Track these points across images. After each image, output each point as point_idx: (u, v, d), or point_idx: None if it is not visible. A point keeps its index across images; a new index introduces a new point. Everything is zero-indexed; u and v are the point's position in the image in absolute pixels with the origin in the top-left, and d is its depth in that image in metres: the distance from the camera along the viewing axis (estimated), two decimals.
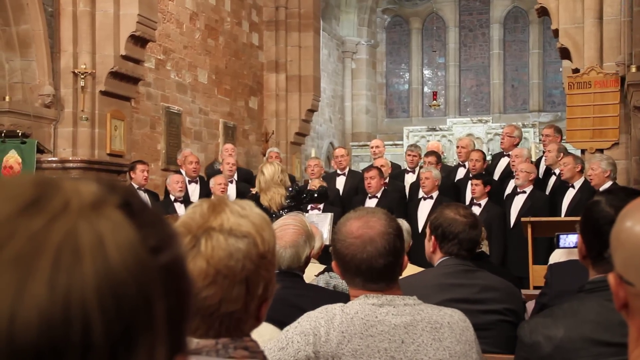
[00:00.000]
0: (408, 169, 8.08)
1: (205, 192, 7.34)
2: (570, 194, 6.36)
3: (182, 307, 0.52)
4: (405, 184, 7.80)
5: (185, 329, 0.53)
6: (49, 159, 6.97)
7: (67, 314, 0.43)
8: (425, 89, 17.85)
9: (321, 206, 6.53)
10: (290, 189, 5.57)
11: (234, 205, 1.17)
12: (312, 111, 12.41)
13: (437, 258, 2.50)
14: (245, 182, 7.85)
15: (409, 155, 8.07)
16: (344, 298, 1.73)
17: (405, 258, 1.75)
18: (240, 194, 7.30)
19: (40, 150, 6.71)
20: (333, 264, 1.76)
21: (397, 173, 8.18)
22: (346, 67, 17.28)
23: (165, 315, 0.48)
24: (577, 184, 6.36)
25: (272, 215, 5.45)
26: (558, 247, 3.62)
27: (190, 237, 1.13)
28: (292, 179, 6.62)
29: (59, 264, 0.44)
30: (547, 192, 6.80)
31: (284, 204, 5.51)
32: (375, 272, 1.68)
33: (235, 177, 7.94)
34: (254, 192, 5.98)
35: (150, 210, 0.52)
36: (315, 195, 5.74)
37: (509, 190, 6.96)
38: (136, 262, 0.46)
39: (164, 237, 0.51)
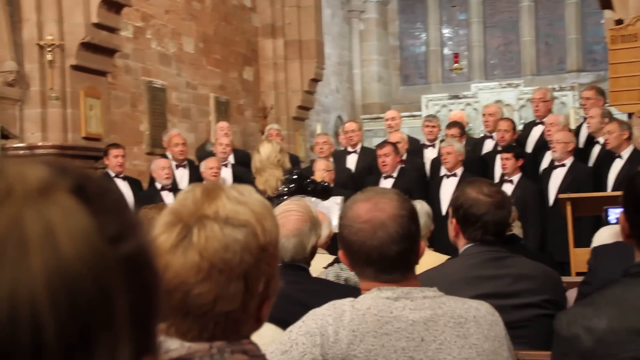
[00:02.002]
0: (427, 143, 8.08)
1: (195, 178, 7.34)
2: (617, 165, 6.33)
3: (148, 303, 0.52)
4: (425, 160, 7.81)
5: (154, 327, 0.53)
6: (15, 145, 6.99)
7: (13, 313, 0.43)
8: (445, 51, 17.76)
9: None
10: (291, 172, 5.58)
11: (231, 191, 1.18)
12: (315, 81, 12.38)
13: (461, 244, 2.51)
14: (242, 165, 7.89)
15: (428, 127, 8.07)
16: (356, 292, 1.75)
17: (422, 244, 1.76)
18: (237, 179, 7.32)
19: (5, 136, 6.72)
20: (340, 253, 1.77)
21: (416, 148, 8.19)
22: (353, 28, 17.20)
23: (129, 312, 0.48)
24: (625, 153, 6.34)
25: (269, 200, 5.46)
26: (607, 223, 3.60)
27: (181, 226, 1.14)
28: (294, 159, 6.64)
29: (3, 258, 0.44)
30: (590, 164, 6.78)
31: (280, 188, 5.53)
32: (388, 260, 1.69)
33: (231, 159, 7.97)
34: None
35: (109, 194, 0.52)
36: (319, 188, 5.77)
37: (545, 163, 6.95)
38: (92, 253, 0.46)
39: (125, 225, 0.51)
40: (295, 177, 5.64)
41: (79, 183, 0.50)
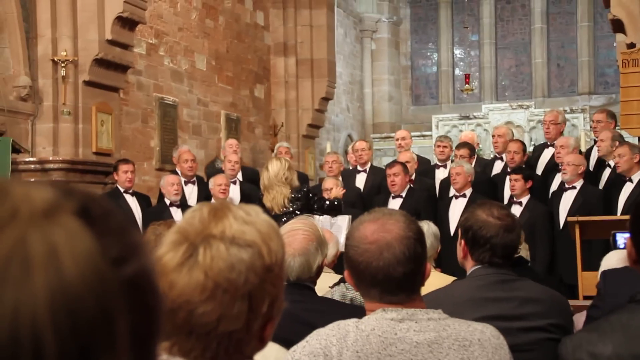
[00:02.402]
0: (438, 163, 8.09)
1: (204, 195, 7.37)
2: (627, 189, 6.31)
3: (149, 325, 0.52)
4: (436, 180, 7.81)
5: (155, 348, 0.53)
6: (26, 159, 7.04)
7: (15, 333, 0.43)
8: (457, 72, 17.80)
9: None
10: (299, 190, 5.59)
11: (238, 211, 1.19)
12: (326, 99, 12.43)
13: (469, 266, 2.50)
14: (251, 182, 7.90)
15: (439, 147, 8.08)
16: (361, 313, 1.75)
17: (428, 265, 1.76)
18: (245, 197, 7.33)
19: (16, 150, 6.75)
20: (346, 273, 1.77)
21: (426, 169, 8.19)
22: (365, 48, 17.28)
23: (129, 333, 0.49)
24: (636, 177, 6.31)
25: (276, 218, 5.49)
26: (615, 248, 3.59)
27: (187, 245, 1.14)
28: (303, 178, 6.65)
29: (6, 278, 0.45)
30: (600, 187, 6.76)
31: (287, 206, 5.53)
32: (393, 281, 1.69)
33: (240, 176, 7.98)
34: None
35: (113, 216, 0.53)
36: (326, 203, 5.78)
37: (554, 186, 6.93)
38: (95, 275, 0.47)
39: (128, 247, 0.52)
40: (302, 194, 5.65)
41: (83, 205, 0.51)
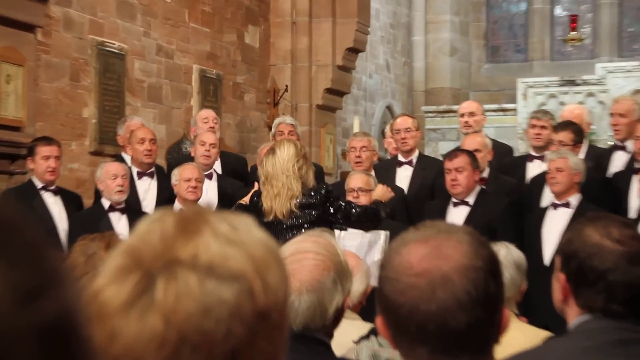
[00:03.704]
0: (532, 152, 8.05)
1: (165, 195, 7.38)
2: None
3: None
4: (525, 180, 7.77)
5: None
6: None
7: None
8: (558, 11, 17.75)
9: None
10: (313, 191, 5.61)
11: (220, 223, 1.19)
12: (355, 51, 12.43)
13: (572, 315, 2.50)
14: (235, 176, 7.91)
15: (535, 127, 8.03)
16: None
17: (507, 313, 1.77)
18: (226, 198, 7.35)
19: None
20: (378, 320, 1.79)
21: (508, 162, 8.18)
22: None
23: None
24: None
25: (276, 229, 5.52)
26: None
27: (139, 274, 1.14)
28: (317, 172, 6.63)
29: None
30: None
31: (296, 212, 5.56)
32: (451, 336, 1.69)
33: (218, 167, 8.01)
34: (249, 194, 6.06)
35: (18, 233, 0.53)
36: (354, 212, 5.80)
37: None
38: None
39: (42, 277, 0.52)
40: (318, 198, 5.66)
41: None
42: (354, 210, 5.84)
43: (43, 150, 6.94)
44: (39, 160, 6.91)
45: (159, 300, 1.14)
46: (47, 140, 7.12)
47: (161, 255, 1.16)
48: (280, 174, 5.60)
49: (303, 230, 5.53)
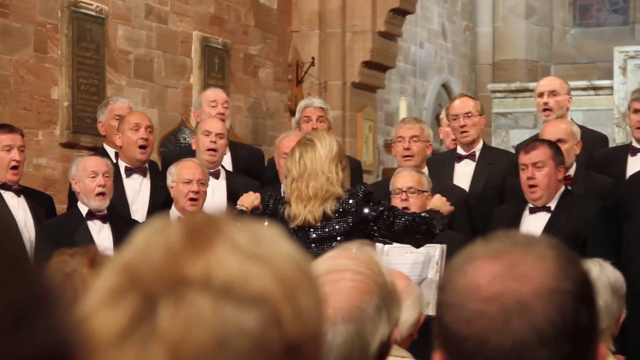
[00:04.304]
0: (635, 144, 7.98)
1: (160, 197, 7.41)
2: None
3: None
4: (624, 177, 7.72)
5: None
6: None
7: None
8: None
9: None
10: (349, 194, 5.63)
11: (238, 233, 1.20)
12: (402, 13, 12.42)
13: None
14: (249, 173, 7.92)
15: (637, 112, 7.99)
16: None
17: (601, 349, 1.78)
18: (235, 201, 7.36)
19: None
20: (436, 357, 1.80)
21: (601, 156, 8.16)
22: None
23: None
24: None
25: (304, 238, 5.54)
26: None
27: (137, 297, 1.16)
28: (354, 168, 6.63)
29: None
30: None
31: (332, 217, 5.62)
32: None
33: (227, 163, 8.04)
34: (251, 197, 6.11)
35: (1, 249, 0.56)
36: (403, 221, 5.80)
37: None
38: None
39: (32, 300, 0.55)
40: (354, 202, 5.68)
41: None
42: (398, 221, 5.84)
43: (3, 139, 6.99)
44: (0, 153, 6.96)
45: (162, 329, 1.14)
46: (8, 127, 7.16)
47: (165, 273, 1.16)
48: (321, 174, 5.66)
49: (334, 243, 5.55)
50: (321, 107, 8.58)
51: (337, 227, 5.65)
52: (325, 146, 5.71)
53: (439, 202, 6.38)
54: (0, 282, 0.56)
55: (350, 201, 5.67)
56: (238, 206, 6.43)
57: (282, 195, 6.01)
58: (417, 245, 6.04)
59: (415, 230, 5.88)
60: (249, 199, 6.63)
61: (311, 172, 5.66)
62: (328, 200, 5.67)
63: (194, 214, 1.28)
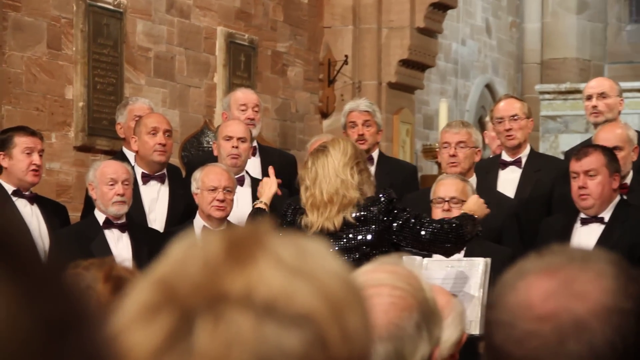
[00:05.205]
0: None
1: (179, 206, 7.43)
2: None
3: None
4: None
5: None
6: None
7: None
8: None
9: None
10: (372, 201, 5.65)
11: (282, 248, 1.21)
12: (443, 8, 12.42)
13: None
14: (281, 182, 7.92)
15: None
16: None
17: None
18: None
19: None
20: None
21: None
22: None
23: None
24: None
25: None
26: None
27: (174, 314, 1.17)
28: (411, 171, 6.62)
29: None
30: None
31: (353, 223, 5.65)
32: None
33: (253, 168, 8.06)
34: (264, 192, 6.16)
35: (39, 262, 0.58)
36: (431, 229, 5.81)
37: None
38: (20, 350, 0.52)
39: (69, 312, 0.57)
40: (377, 208, 5.70)
41: None
42: (425, 230, 5.85)
43: (24, 141, 7.03)
44: (19, 155, 7.01)
45: (199, 348, 1.15)
46: (29, 130, 7.21)
47: (203, 289, 1.17)
48: (334, 177, 5.69)
49: (357, 254, 5.57)
50: (367, 111, 8.55)
51: (359, 237, 5.66)
52: (338, 150, 5.75)
53: (474, 206, 6.35)
54: (39, 298, 0.58)
55: (373, 208, 5.68)
56: (256, 203, 6.45)
57: (301, 205, 6.00)
58: (447, 254, 6.03)
59: (444, 239, 5.89)
60: (268, 188, 6.66)
61: (323, 176, 5.70)
62: (347, 207, 5.67)
63: (235, 225, 1.29)
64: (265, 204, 6.45)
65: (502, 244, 6.83)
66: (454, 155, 7.66)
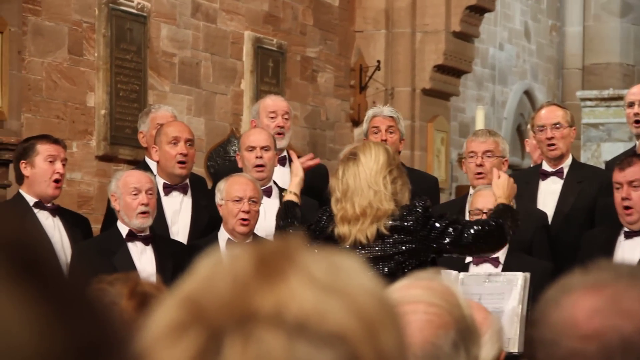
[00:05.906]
0: None
1: (203, 218, 7.44)
2: None
3: None
4: None
5: None
6: None
7: None
8: None
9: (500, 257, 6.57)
10: (407, 210, 5.64)
11: (314, 264, 1.21)
12: (480, 11, 12.40)
13: None
14: (311, 192, 7.92)
15: None
16: None
17: None
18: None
19: None
20: None
21: None
22: None
23: None
24: None
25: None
26: None
27: (201, 334, 1.17)
28: (431, 184, 6.60)
29: None
30: None
31: (387, 239, 5.65)
32: None
33: (282, 178, 8.06)
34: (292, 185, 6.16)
35: (71, 283, 0.60)
36: (473, 231, 5.81)
37: None
38: None
39: (100, 335, 0.59)
40: (414, 218, 5.70)
41: (14, 254, 0.58)
42: (466, 233, 5.85)
43: (46, 149, 7.05)
44: (41, 164, 7.03)
45: None
46: (51, 138, 7.23)
47: (232, 307, 1.17)
48: (367, 189, 5.67)
49: (393, 263, 5.57)
50: (391, 117, 8.54)
51: (394, 247, 5.65)
52: (370, 158, 5.72)
53: (503, 189, 6.29)
54: (68, 319, 0.58)
55: (409, 218, 5.67)
56: (285, 194, 6.45)
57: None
58: (490, 253, 6.02)
59: (486, 239, 5.90)
60: (294, 175, 6.68)
61: (355, 188, 5.69)
62: (381, 218, 5.67)
63: (263, 239, 1.29)
64: (295, 194, 6.42)
65: (532, 256, 6.82)
66: (480, 165, 7.65)
